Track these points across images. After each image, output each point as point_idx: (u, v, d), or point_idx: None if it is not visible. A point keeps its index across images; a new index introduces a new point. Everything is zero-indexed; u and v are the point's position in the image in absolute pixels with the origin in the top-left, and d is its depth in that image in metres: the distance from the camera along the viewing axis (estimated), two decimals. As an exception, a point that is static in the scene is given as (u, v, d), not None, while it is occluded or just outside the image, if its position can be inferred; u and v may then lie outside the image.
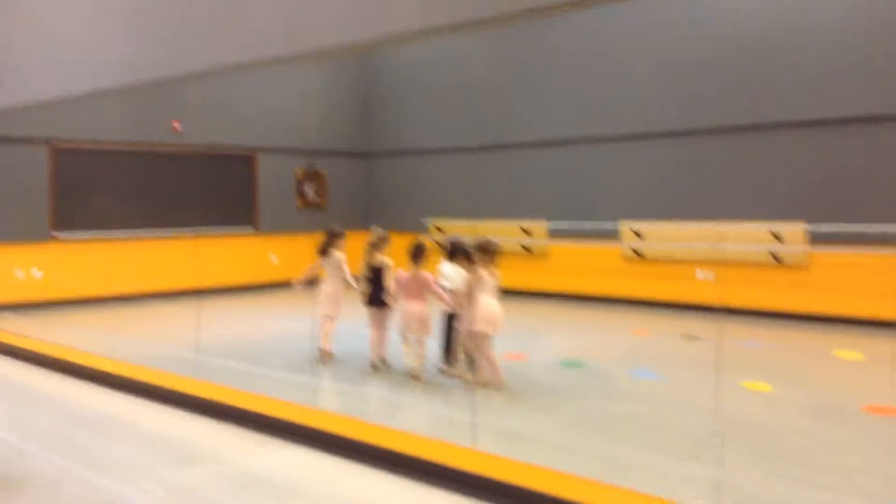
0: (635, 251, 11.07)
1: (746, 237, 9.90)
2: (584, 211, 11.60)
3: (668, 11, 10.60)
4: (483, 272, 6.42)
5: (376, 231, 7.58)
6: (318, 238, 8.04)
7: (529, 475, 4.14)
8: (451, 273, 6.90)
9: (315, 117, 13.73)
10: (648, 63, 10.92)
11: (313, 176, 14.22)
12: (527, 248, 12.24)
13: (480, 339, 6.41)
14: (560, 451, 5.00)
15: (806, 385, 6.81)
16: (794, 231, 9.61)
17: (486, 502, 4.16)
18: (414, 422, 5.94)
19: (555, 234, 11.98)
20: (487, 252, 6.48)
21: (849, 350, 7.88)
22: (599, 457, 4.88)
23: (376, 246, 7.41)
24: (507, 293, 9.26)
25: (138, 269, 12.12)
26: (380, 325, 7.33)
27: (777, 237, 9.73)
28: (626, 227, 11.10)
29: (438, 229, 13.50)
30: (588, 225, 11.55)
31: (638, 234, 11.01)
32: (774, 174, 9.82)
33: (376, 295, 7.25)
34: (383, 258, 7.37)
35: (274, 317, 10.91)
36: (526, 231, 12.26)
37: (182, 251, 12.32)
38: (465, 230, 12.92)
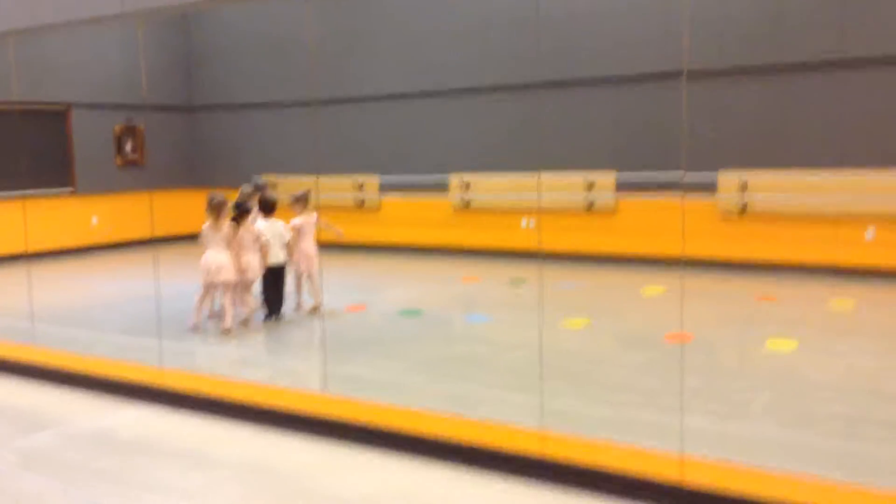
0: (464, 202, 11.64)
1: (563, 186, 10.70)
2: (415, 165, 12.00)
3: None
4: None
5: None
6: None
7: (377, 414, 4.51)
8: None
9: (132, 70, 13.15)
10: (473, 20, 11.36)
11: (131, 132, 13.67)
12: (360, 202, 12.51)
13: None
14: (405, 392, 5.41)
15: (617, 319, 7.62)
16: (606, 180, 10.51)
17: (343, 444, 4.50)
18: (256, 374, 6.14)
19: (387, 187, 12.31)
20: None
21: (654, 286, 8.84)
22: (442, 395, 5.34)
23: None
24: (343, 247, 9.57)
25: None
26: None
27: (590, 186, 10.60)
28: (455, 179, 11.62)
29: (271, 185, 13.45)
30: (418, 178, 11.98)
31: (466, 186, 11.57)
32: (589, 127, 10.64)
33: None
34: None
35: (100, 280, 10.57)
36: (359, 186, 12.51)
37: (-6, 215, 11.58)
38: (298, 185, 13.06)
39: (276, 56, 13.08)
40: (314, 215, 7.97)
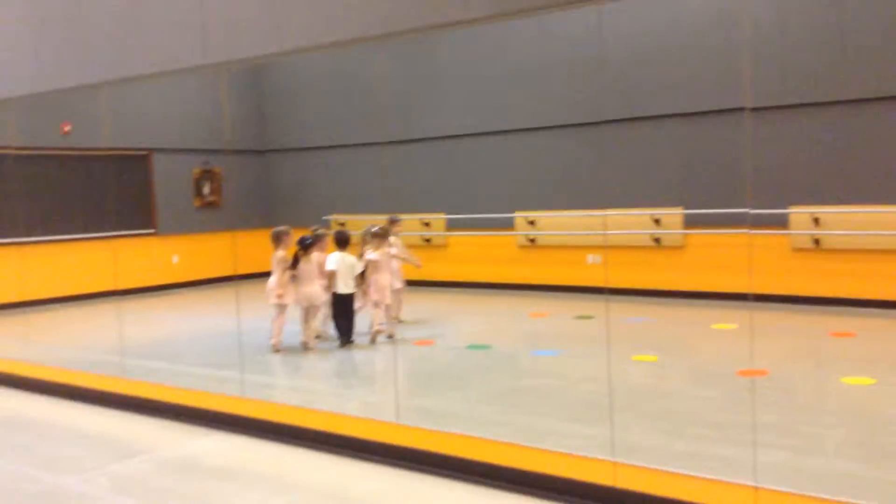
0: (529, 239, 11.75)
1: (629, 223, 10.72)
2: (481, 203, 12.17)
3: (552, 18, 11.28)
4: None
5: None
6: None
7: (448, 443, 4.63)
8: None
9: (210, 116, 13.75)
10: (537, 60, 11.57)
11: (209, 174, 14.25)
12: (427, 240, 12.75)
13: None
14: (474, 423, 5.52)
15: (687, 355, 7.59)
16: (673, 216, 10.50)
17: (414, 472, 4.63)
18: (335, 405, 6.32)
19: (453, 225, 12.53)
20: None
21: (724, 322, 8.76)
22: (510, 425, 5.43)
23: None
24: (411, 283, 9.80)
25: (42, 275, 11.89)
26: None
27: (657, 221, 10.60)
28: (520, 216, 11.76)
29: (341, 225, 13.82)
30: (484, 216, 12.16)
31: (531, 223, 11.69)
32: (653, 163, 10.67)
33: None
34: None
35: (181, 316, 11.00)
36: (426, 223, 12.76)
37: (84, 255, 12.20)
38: (366, 224, 13.37)
39: (346, 99, 13.52)
40: (390, 250, 8.46)
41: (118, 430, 5.87)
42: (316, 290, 8.05)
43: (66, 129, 12.27)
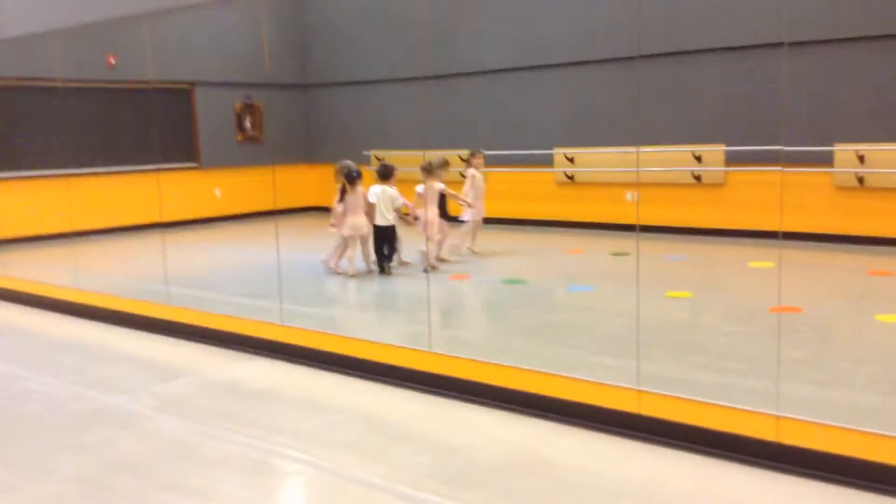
0: (568, 176, 11.71)
1: (670, 160, 10.61)
2: (520, 139, 12.14)
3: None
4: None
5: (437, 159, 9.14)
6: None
7: (482, 371, 4.77)
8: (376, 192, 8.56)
9: (252, 49, 13.79)
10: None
11: (250, 109, 14.37)
12: (464, 176, 12.74)
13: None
14: (507, 354, 5.64)
15: (723, 292, 7.61)
16: (714, 152, 10.37)
17: (447, 398, 4.79)
18: (371, 334, 6.51)
19: (492, 161, 12.51)
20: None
21: (762, 261, 8.72)
22: (541, 357, 5.55)
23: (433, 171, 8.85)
24: (448, 220, 9.90)
25: (90, 206, 12.20)
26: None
27: (698, 158, 10.48)
28: (559, 153, 11.70)
29: (380, 160, 13.89)
30: (523, 153, 12.12)
31: (570, 160, 11.64)
32: (695, 99, 10.50)
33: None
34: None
35: (224, 248, 11.27)
36: (464, 160, 12.74)
37: (129, 187, 12.49)
38: (407, 160, 13.37)
39: (386, 33, 13.44)
40: (439, 185, 8.76)
41: (164, 354, 6.13)
42: (361, 220, 8.42)
43: (112, 61, 12.43)
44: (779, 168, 8.72)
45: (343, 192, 8.43)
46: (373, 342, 5.44)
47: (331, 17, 14.50)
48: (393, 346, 5.31)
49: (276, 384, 5.29)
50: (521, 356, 5.55)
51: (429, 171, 8.67)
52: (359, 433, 4.37)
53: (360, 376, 5.25)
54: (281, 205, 14.63)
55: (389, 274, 8.50)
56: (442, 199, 9.06)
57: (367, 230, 8.53)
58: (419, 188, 8.71)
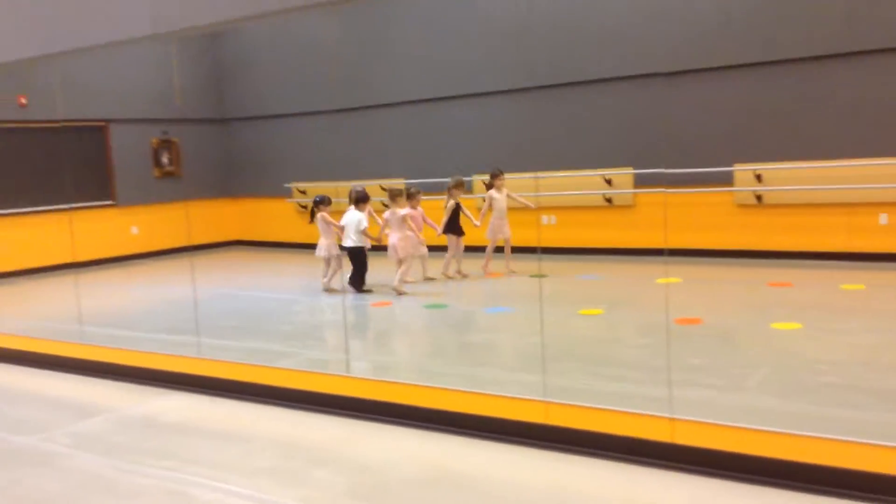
0: (488, 201, 11.96)
1: (581, 184, 11.01)
2: (440, 167, 12.34)
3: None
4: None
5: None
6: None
7: (396, 392, 4.90)
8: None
9: (167, 85, 13.72)
10: (483, 28, 11.72)
11: (167, 144, 14.25)
12: (387, 205, 12.91)
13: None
14: (426, 374, 5.80)
15: (632, 307, 7.93)
16: (623, 176, 10.81)
17: (364, 420, 4.90)
18: (290, 363, 6.57)
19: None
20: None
21: (670, 276, 9.12)
22: (459, 376, 5.71)
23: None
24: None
25: (3, 247, 11.91)
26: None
27: (608, 182, 10.90)
28: (478, 179, 11.98)
29: (302, 192, 13.97)
30: (444, 181, 12.34)
31: (489, 187, 11.90)
32: (603, 126, 10.94)
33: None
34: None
35: (141, 286, 11.11)
36: (384, 189, 12.92)
37: (42, 228, 12.23)
38: (327, 192, 13.45)
39: (302, 66, 13.57)
40: (400, 212, 9.22)
41: (79, 393, 6.06)
42: (325, 242, 9.42)
43: (22, 101, 12.21)
44: (661, 189, 9.27)
45: (312, 214, 9.57)
46: (289, 370, 5.52)
47: (246, 50, 14.56)
48: (309, 372, 5.40)
49: (192, 417, 5.31)
50: (439, 376, 5.72)
51: (392, 198, 9.26)
52: (277, 459, 4.44)
53: (278, 404, 5.32)
54: (201, 239, 14.52)
55: (365, 292, 9.14)
56: (455, 216, 9.79)
57: (336, 251, 9.40)
58: (385, 214, 9.28)
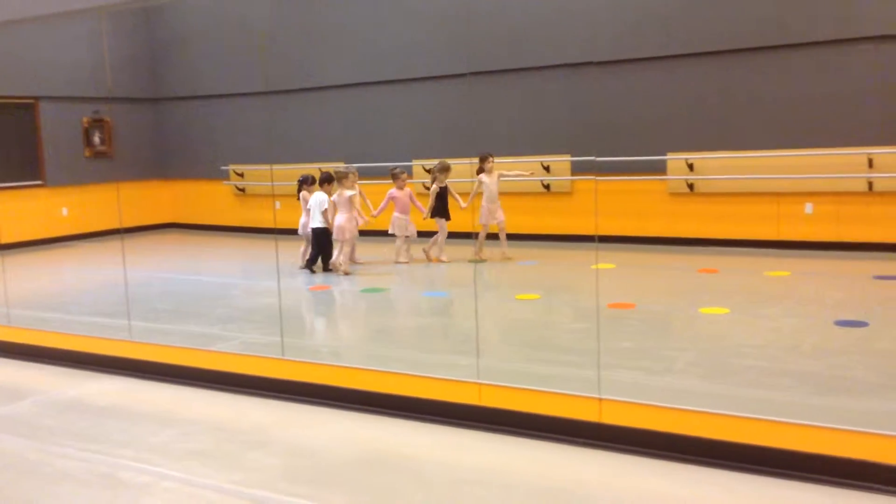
0: (426, 186, 11.99)
1: (521, 169, 11.10)
2: (379, 152, 12.33)
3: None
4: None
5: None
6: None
7: (331, 375, 4.92)
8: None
9: (100, 63, 13.35)
10: (422, 12, 11.71)
11: (99, 124, 13.88)
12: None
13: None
14: (365, 357, 5.82)
15: (568, 292, 8.08)
16: (561, 163, 10.96)
17: (299, 403, 4.90)
18: (226, 347, 6.52)
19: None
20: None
21: (604, 262, 9.31)
22: (394, 359, 5.75)
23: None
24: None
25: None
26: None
27: (546, 169, 11.04)
28: (418, 164, 12.00)
29: (239, 175, 13.79)
30: (382, 165, 12.32)
31: (429, 171, 11.94)
32: (542, 113, 11.06)
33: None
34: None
35: (71, 269, 10.85)
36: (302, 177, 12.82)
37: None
38: (265, 175, 13.31)
39: (239, 46, 13.34)
40: (345, 193, 9.21)
41: (6, 377, 5.91)
42: (306, 222, 9.55)
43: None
44: (591, 177, 9.52)
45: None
46: (224, 353, 5.49)
47: (180, 29, 14.24)
48: (244, 355, 5.38)
49: (125, 401, 5.23)
50: (375, 359, 5.75)
51: (339, 179, 9.32)
52: (211, 442, 4.42)
53: (213, 388, 5.28)
54: (135, 222, 14.22)
55: (331, 271, 9.30)
56: (442, 199, 9.83)
57: (305, 233, 9.61)
58: (333, 196, 9.31)
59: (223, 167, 13.81)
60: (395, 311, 7.68)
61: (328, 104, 12.81)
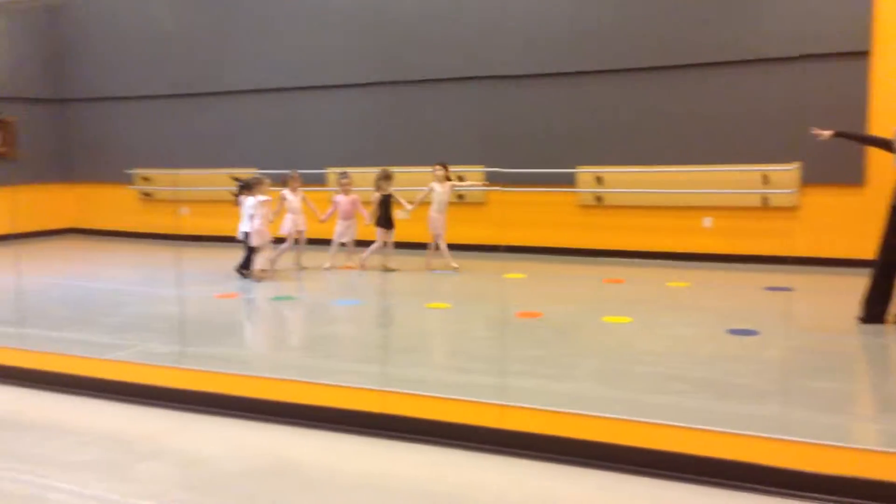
0: (338, 195, 11.91)
1: (435, 180, 11.15)
2: (291, 158, 12.16)
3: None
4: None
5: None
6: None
7: (227, 383, 4.82)
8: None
9: (2, 61, 12.78)
10: (337, 20, 11.67)
11: (1, 124, 13.26)
12: (236, 195, 12.59)
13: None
14: (270, 366, 5.72)
15: (479, 301, 8.15)
16: (476, 174, 11.06)
17: (191, 412, 4.79)
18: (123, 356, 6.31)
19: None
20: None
21: (515, 272, 9.44)
22: (296, 367, 5.68)
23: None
24: (213, 239, 9.83)
25: None
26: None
27: (460, 179, 11.12)
28: (332, 172, 11.90)
29: (145, 179, 13.41)
30: (301, 171, 12.17)
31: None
32: (456, 124, 11.15)
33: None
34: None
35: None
36: (236, 179, 12.59)
37: None
38: (174, 180, 12.98)
39: (147, 48, 12.99)
40: (259, 199, 9.19)
41: None
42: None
43: None
44: (498, 188, 9.72)
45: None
46: (119, 362, 5.32)
47: (91, 29, 13.77)
48: (140, 364, 5.22)
49: (12, 410, 5.01)
50: (278, 368, 5.66)
51: (247, 187, 9.32)
52: (102, 452, 4.26)
53: (107, 397, 5.10)
54: (36, 226, 13.63)
55: (248, 278, 9.15)
56: (385, 207, 9.65)
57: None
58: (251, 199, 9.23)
59: (127, 171, 13.40)
60: (303, 319, 7.60)
61: (239, 109, 12.59)
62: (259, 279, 9.15)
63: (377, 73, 11.48)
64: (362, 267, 9.86)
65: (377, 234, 9.80)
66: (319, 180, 11.98)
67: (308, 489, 3.77)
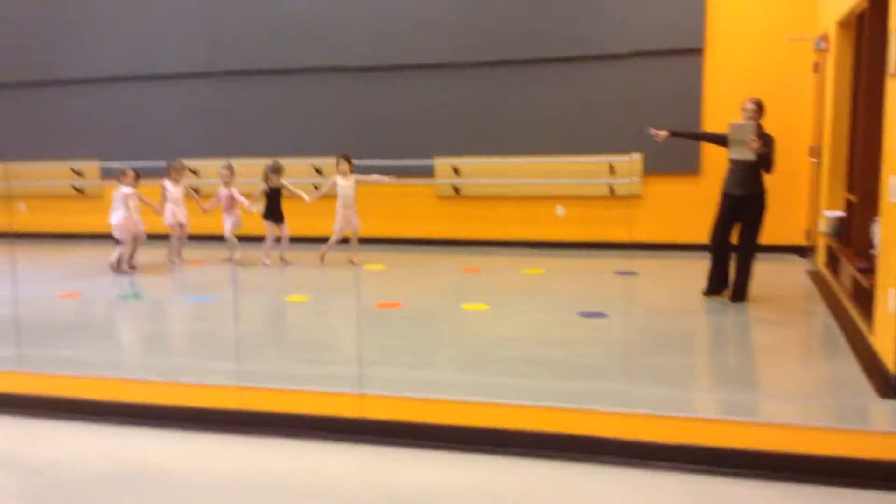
0: (193, 189, 11.50)
1: (292, 172, 10.98)
2: (135, 149, 11.59)
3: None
4: None
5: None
6: None
7: (81, 386, 4.58)
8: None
9: None
10: (176, 7, 11.27)
11: None
12: (79, 190, 11.93)
13: None
14: (120, 367, 5.46)
15: (339, 294, 8.11)
16: (331, 165, 10.95)
17: (37, 419, 4.51)
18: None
19: (109, 174, 11.83)
20: None
21: (374, 263, 9.45)
22: (157, 367, 5.46)
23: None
24: (61, 237, 9.28)
25: None
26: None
27: (318, 171, 11.02)
28: (188, 164, 11.45)
29: None
30: (146, 164, 11.64)
31: (195, 173, 11.47)
32: (311, 115, 11.02)
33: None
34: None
35: None
36: (77, 172, 11.92)
37: None
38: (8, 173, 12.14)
39: (-23, 32, 12.05)
40: (124, 190, 9.08)
41: None
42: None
43: None
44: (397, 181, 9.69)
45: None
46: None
47: None
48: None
49: None
50: (130, 368, 5.42)
51: (118, 178, 9.16)
52: (-69, 467, 3.94)
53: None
54: None
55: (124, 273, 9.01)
56: (273, 200, 9.43)
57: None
58: (115, 193, 9.11)
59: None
60: (152, 318, 7.29)
61: (79, 99, 11.90)
62: (122, 272, 8.98)
63: (228, 61, 11.15)
64: (270, 263, 9.51)
65: (266, 228, 9.54)
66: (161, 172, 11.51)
67: (171, 491, 3.64)
